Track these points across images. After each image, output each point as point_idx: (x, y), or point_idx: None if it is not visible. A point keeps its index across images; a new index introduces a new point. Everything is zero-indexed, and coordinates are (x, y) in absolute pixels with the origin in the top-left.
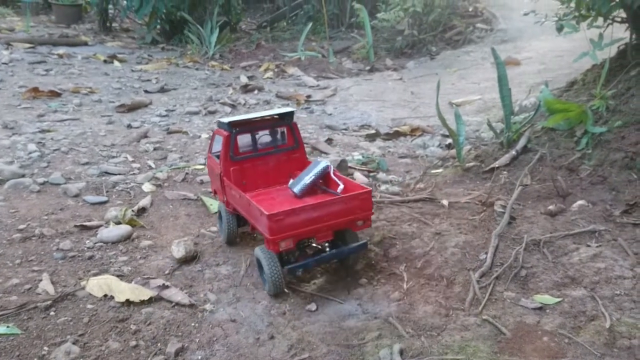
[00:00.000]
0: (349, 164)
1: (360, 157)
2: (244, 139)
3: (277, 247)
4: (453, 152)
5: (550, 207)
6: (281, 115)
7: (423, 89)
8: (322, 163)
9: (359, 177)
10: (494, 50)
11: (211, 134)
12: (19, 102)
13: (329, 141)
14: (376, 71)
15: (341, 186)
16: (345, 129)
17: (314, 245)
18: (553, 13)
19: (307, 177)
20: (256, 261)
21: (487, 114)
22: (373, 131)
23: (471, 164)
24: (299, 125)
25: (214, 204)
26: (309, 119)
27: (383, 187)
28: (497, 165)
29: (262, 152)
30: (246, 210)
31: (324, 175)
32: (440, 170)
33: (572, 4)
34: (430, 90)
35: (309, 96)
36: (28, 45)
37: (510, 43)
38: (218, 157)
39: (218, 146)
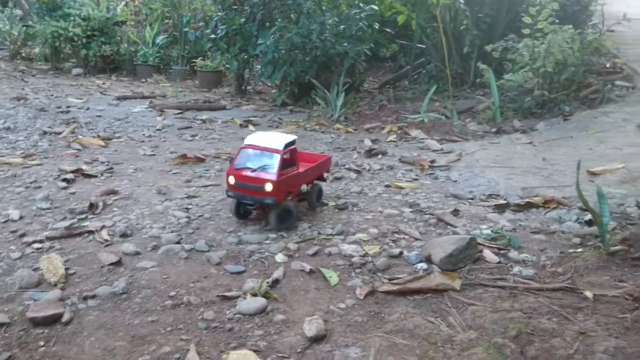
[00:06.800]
0: (478, 240)
1: (489, 231)
2: None
3: None
4: (594, 229)
5: None
6: None
7: (556, 154)
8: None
9: (489, 256)
10: None
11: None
12: (170, 168)
13: (455, 212)
14: (503, 133)
15: None
16: (472, 199)
17: None
18: None
19: None
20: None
21: (633, 185)
22: (502, 201)
23: (617, 247)
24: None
25: (333, 276)
26: (434, 186)
27: (516, 269)
28: None
29: None
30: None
31: None
32: (579, 250)
33: None
34: (564, 156)
35: (432, 161)
36: (177, 111)
37: None
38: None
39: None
